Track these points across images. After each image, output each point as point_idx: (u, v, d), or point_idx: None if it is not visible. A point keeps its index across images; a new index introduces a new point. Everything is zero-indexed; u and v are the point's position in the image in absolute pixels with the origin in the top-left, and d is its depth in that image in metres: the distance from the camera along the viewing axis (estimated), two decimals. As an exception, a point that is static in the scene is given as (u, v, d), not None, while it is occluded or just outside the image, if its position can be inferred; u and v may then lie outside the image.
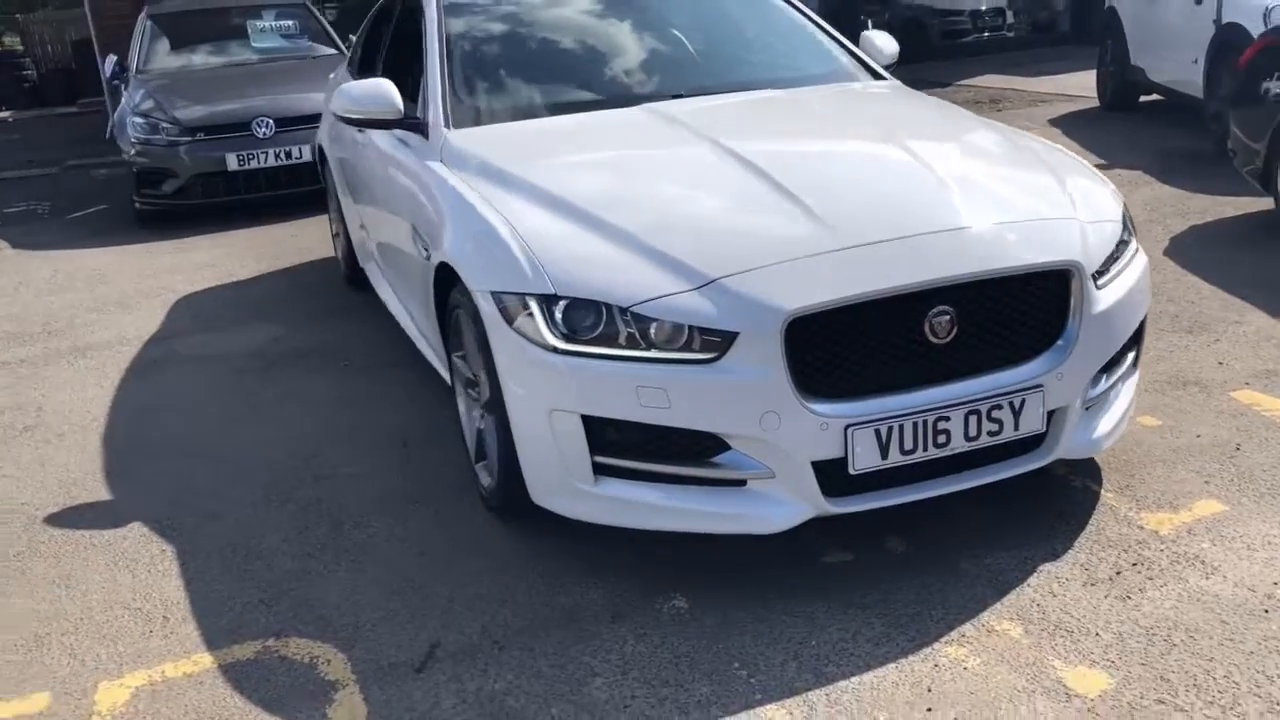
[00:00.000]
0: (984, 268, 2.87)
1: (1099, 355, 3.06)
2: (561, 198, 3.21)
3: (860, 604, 2.85)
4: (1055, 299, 2.98)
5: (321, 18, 9.71)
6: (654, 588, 2.98)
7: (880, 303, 2.79)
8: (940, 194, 3.11)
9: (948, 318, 2.84)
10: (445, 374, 3.95)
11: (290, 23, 9.56)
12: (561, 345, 2.86)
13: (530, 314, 2.92)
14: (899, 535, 3.12)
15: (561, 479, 2.95)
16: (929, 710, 2.46)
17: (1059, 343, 2.98)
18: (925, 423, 2.82)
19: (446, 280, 3.46)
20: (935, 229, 2.94)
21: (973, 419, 2.87)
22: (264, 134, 8.08)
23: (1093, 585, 2.86)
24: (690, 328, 2.77)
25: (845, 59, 4.39)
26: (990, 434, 2.90)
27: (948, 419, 2.84)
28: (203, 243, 7.56)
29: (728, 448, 2.81)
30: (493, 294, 3.02)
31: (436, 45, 4.12)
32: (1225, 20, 7.93)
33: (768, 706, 2.51)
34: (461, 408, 3.62)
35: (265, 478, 3.83)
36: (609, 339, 2.83)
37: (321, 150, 6.00)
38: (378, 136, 4.39)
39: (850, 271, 2.82)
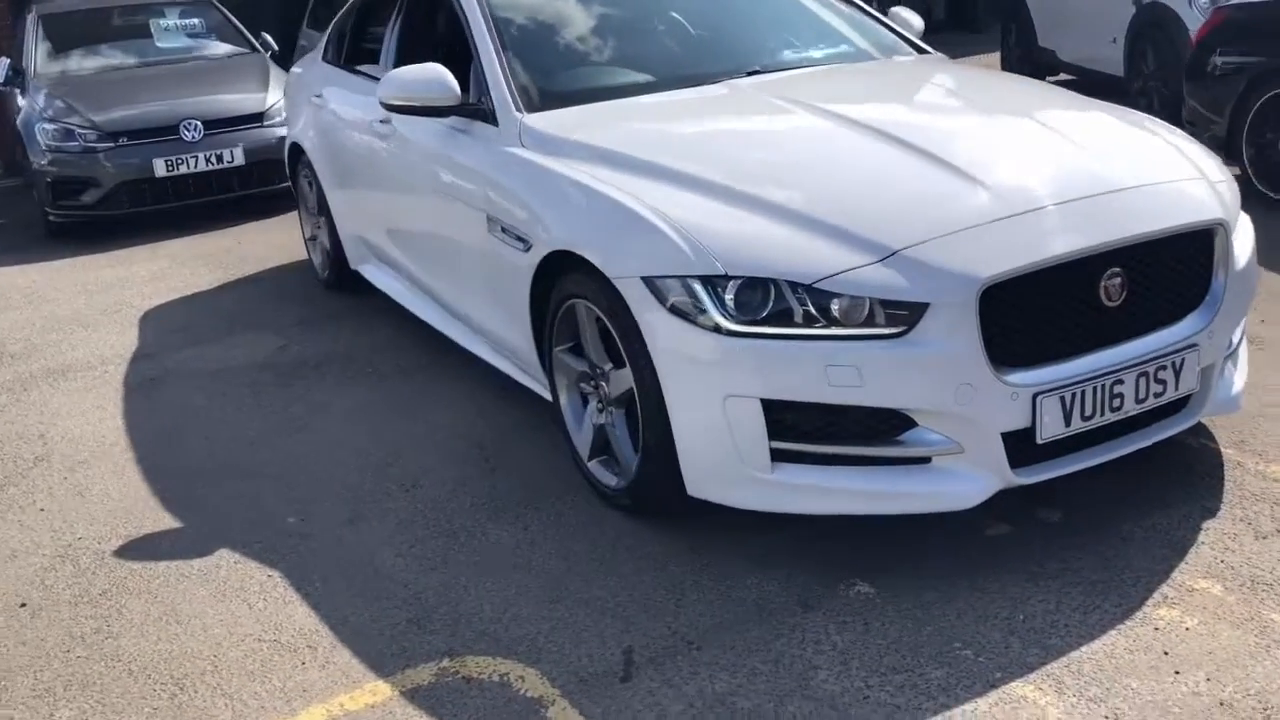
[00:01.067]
0: (1154, 227, 2.87)
1: (1240, 311, 3.11)
2: (696, 176, 3.07)
3: (1046, 574, 2.81)
4: (1202, 257, 3.00)
5: (230, 15, 9.21)
6: (829, 575, 2.88)
7: (1060, 268, 2.76)
8: (1085, 158, 3.09)
9: (1119, 280, 2.82)
10: (516, 373, 3.77)
11: (196, 20, 9.04)
12: (735, 327, 2.73)
13: (694, 297, 2.77)
14: (1047, 505, 3.09)
15: (734, 468, 2.82)
16: (1177, 674, 2.43)
17: (1207, 300, 3.00)
18: (1103, 387, 2.80)
19: (548, 271, 3.29)
20: (1097, 191, 2.92)
21: (1142, 381, 2.86)
22: (192, 137, 7.60)
23: (1264, 538, 2.89)
24: (873, 301, 2.68)
25: (889, 35, 4.35)
26: (1155, 395, 2.91)
27: (1122, 382, 2.83)
28: (138, 255, 7.07)
29: (913, 424, 2.73)
30: (644, 279, 2.86)
31: (486, 28, 3.91)
32: (1147, 0, 8.26)
33: (1014, 684, 2.44)
34: (566, 405, 3.43)
35: (344, 493, 3.56)
36: (783, 318, 2.72)
37: (296, 147, 5.65)
38: (412, 126, 4.14)
39: (1030, 237, 2.77)
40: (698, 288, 2.78)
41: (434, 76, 3.76)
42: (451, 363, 4.47)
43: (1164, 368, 2.88)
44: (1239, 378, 3.22)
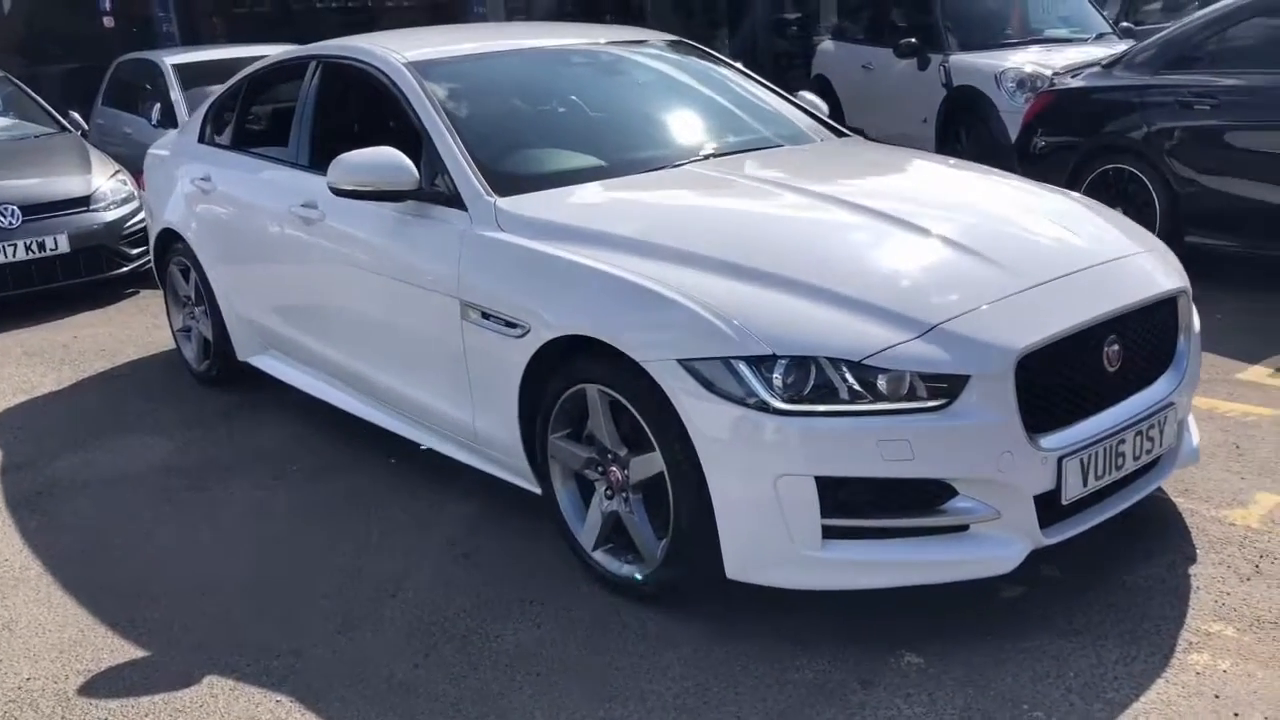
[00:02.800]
0: (1143, 295, 3.10)
1: (1197, 369, 3.37)
2: (707, 256, 3.08)
3: (1075, 629, 2.94)
4: (1170, 321, 3.25)
5: (33, 93, 8.57)
6: (874, 649, 2.90)
7: (1073, 337, 2.93)
8: (1065, 235, 3.31)
9: (1117, 346, 3.02)
10: (483, 463, 3.65)
11: (-6, 99, 8.38)
12: (786, 406, 2.75)
13: (740, 379, 2.77)
14: (1045, 561, 3.23)
15: (782, 548, 2.82)
16: (1236, 715, 2.58)
17: (1175, 360, 3.25)
18: (1110, 448, 2.98)
19: (543, 357, 3.21)
20: (1088, 265, 3.13)
21: (1138, 439, 3.06)
22: (10, 223, 6.98)
23: (1247, 580, 3.12)
24: (913, 375, 2.75)
25: (810, 119, 4.52)
26: (1146, 451, 3.11)
27: (1124, 441, 3.01)
28: (-45, 354, 6.40)
29: (955, 493, 2.81)
30: (681, 363, 2.84)
31: (434, 110, 3.81)
32: (957, 84, 8.93)
33: (1096, 741, 2.53)
34: (562, 495, 3.34)
35: (324, 603, 3.32)
36: (829, 396, 2.76)
37: (169, 233, 5.29)
38: (352, 212, 3.96)
39: (1049, 308, 2.93)
40: (744, 369, 2.78)
41: (390, 160, 3.63)
42: (379, 458, 4.27)
43: (1153, 426, 3.09)
44: (1195, 432, 3.49)
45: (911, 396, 2.76)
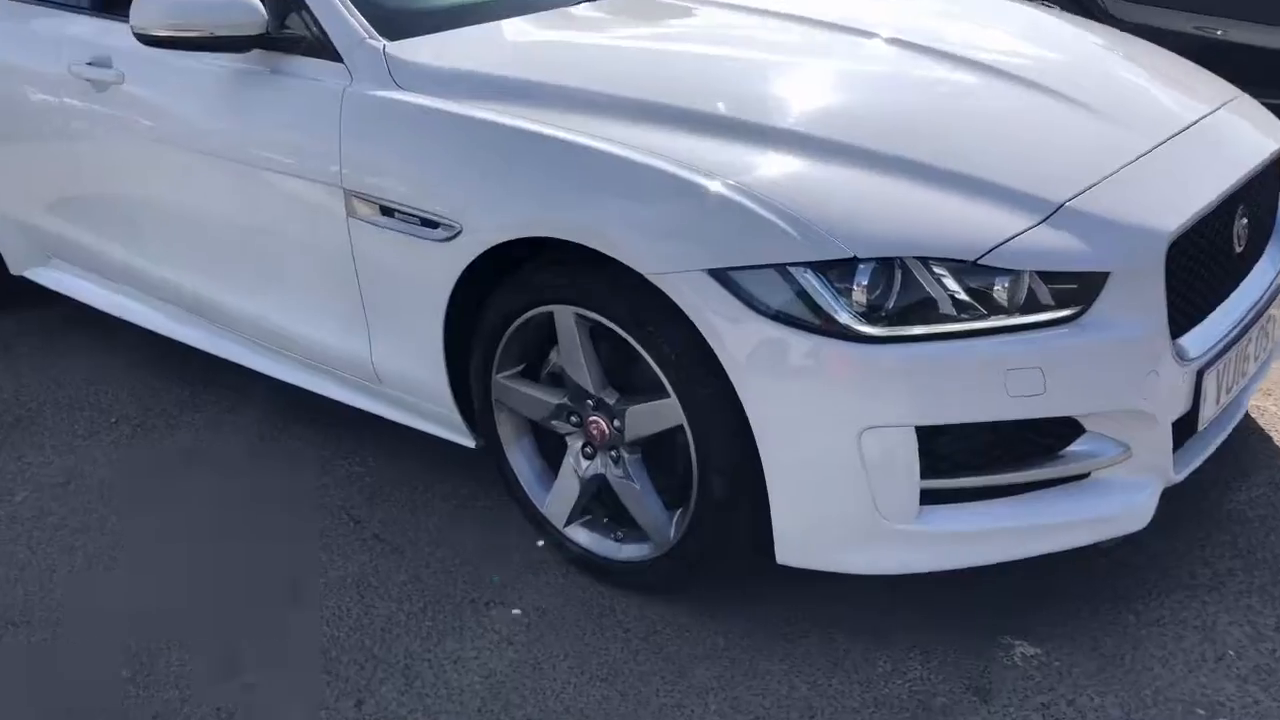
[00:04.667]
0: (1265, 153, 2.42)
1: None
2: (724, 118, 2.19)
3: (1204, 585, 2.31)
4: (1274, 184, 2.59)
5: None
6: (970, 642, 2.19)
7: (1209, 215, 2.22)
8: (1152, 76, 2.57)
9: (1245, 220, 2.34)
10: (390, 410, 2.71)
11: None
12: (875, 331, 1.93)
13: (805, 294, 1.94)
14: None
15: (864, 523, 2.04)
16: None
17: (1276, 231, 2.61)
18: (1238, 350, 2.31)
19: (479, 268, 2.29)
20: (1197, 117, 2.40)
21: (1260, 335, 2.41)
22: None
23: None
24: (1032, 277, 1.98)
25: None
26: (1265, 350, 2.48)
27: (1250, 339, 2.35)
28: None
29: (1081, 432, 2.09)
30: (715, 273, 1.98)
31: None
32: None
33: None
34: (516, 453, 2.46)
35: (181, 640, 2.36)
36: (927, 312, 1.96)
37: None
38: (163, 70, 2.84)
39: (1181, 175, 2.20)
40: (810, 280, 1.94)
41: (226, -4, 2.54)
42: (229, 398, 3.25)
43: (1269, 318, 2.44)
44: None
45: (1033, 306, 1.99)
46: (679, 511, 2.24)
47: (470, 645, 2.25)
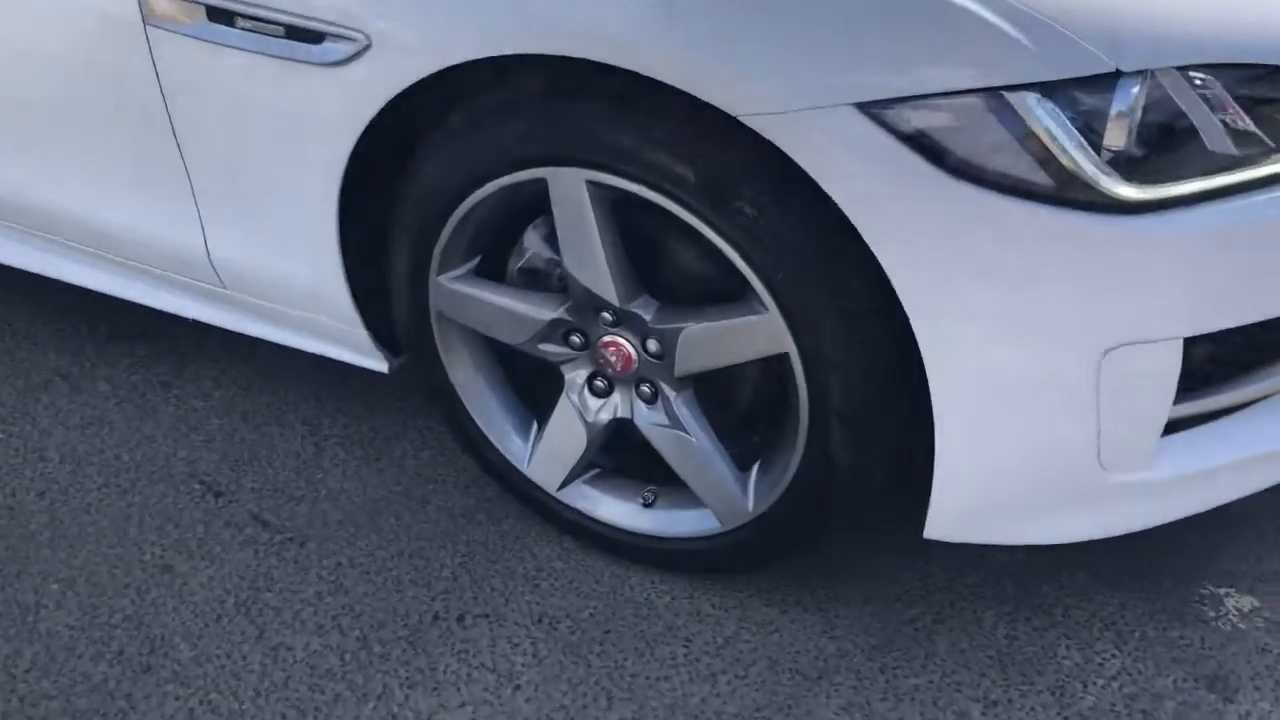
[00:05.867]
0: None
1: None
2: None
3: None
4: None
5: None
6: (1165, 593, 1.57)
7: None
8: None
9: None
10: (255, 325, 1.79)
11: None
12: (1140, 194, 1.17)
13: (1029, 134, 1.15)
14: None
15: (1081, 475, 1.33)
16: None
17: None
18: None
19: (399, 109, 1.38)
20: None
21: None
22: None
23: None
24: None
25: None
26: None
27: None
28: None
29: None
30: (875, 109, 1.15)
31: None
32: None
33: None
34: (474, 389, 1.61)
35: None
36: (1210, 159, 1.21)
37: None
38: None
39: None
40: (1042, 113, 1.14)
41: None
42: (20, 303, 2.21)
43: None
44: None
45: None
46: (754, 470, 1.48)
47: (452, 698, 1.46)
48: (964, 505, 1.36)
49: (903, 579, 1.60)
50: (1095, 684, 1.46)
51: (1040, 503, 1.37)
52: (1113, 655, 1.50)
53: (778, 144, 1.19)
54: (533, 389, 1.65)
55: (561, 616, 1.56)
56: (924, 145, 1.16)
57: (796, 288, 1.27)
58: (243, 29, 1.42)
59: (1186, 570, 1.60)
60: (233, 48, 1.43)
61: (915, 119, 1.15)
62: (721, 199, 1.25)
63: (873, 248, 1.20)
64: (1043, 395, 1.26)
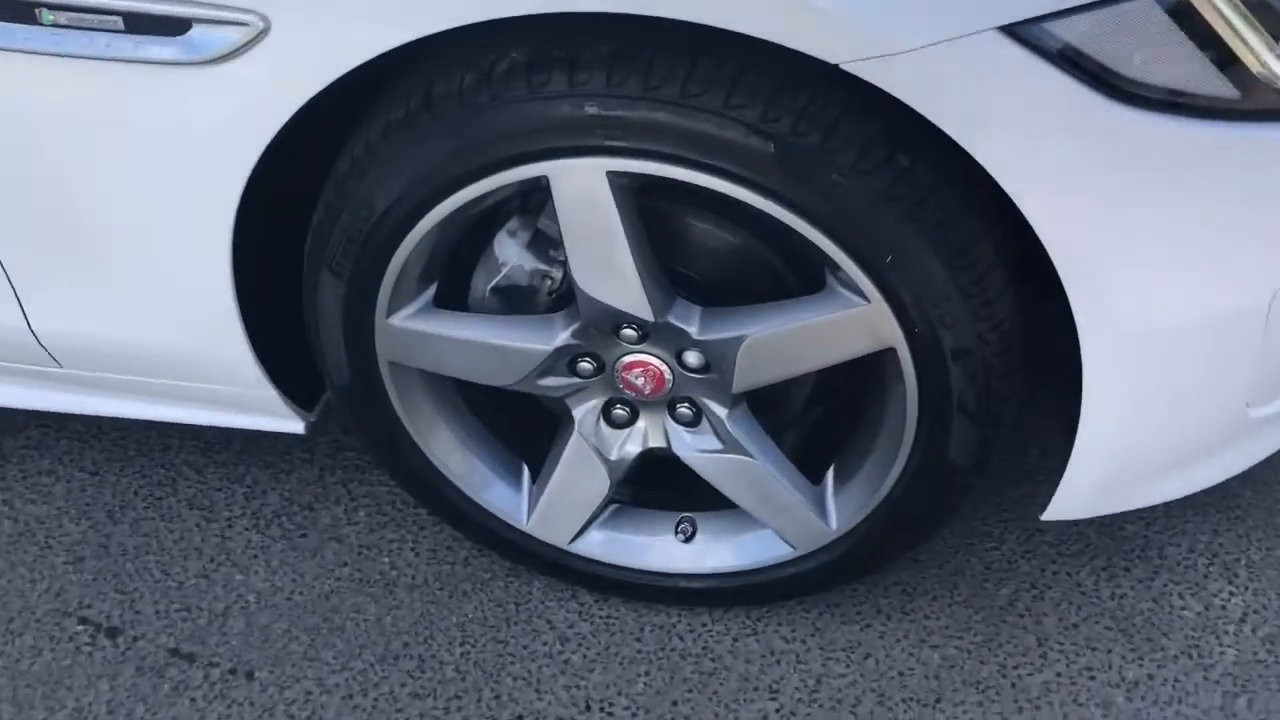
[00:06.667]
0: None
1: None
2: None
3: None
4: None
5: None
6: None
7: None
8: None
9: None
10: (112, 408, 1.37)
11: None
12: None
13: (1215, 38, 0.89)
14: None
15: (1226, 418, 1.14)
16: None
17: None
18: None
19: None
20: None
21: None
22: None
23: None
24: None
25: None
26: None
27: None
28: None
29: None
30: (1022, 32, 0.87)
31: None
32: None
33: None
34: (458, 454, 1.26)
35: None
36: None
37: None
38: None
39: None
40: (1227, 10, 0.89)
41: None
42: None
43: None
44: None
45: None
46: (828, 482, 1.21)
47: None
48: (1103, 476, 1.15)
49: (980, 554, 1.39)
50: (1227, 633, 1.30)
51: (1181, 456, 1.17)
52: (1230, 593, 1.34)
53: (894, 93, 0.89)
54: (497, 422, 1.32)
55: (613, 696, 1.27)
56: (1081, 65, 0.89)
57: (908, 269, 0.99)
58: (54, 25, 0.97)
59: (1261, 477, 1.46)
60: (43, 54, 0.98)
61: (1069, 34, 0.88)
62: (811, 172, 0.95)
63: (1017, 200, 0.94)
64: (1207, 341, 1.05)
